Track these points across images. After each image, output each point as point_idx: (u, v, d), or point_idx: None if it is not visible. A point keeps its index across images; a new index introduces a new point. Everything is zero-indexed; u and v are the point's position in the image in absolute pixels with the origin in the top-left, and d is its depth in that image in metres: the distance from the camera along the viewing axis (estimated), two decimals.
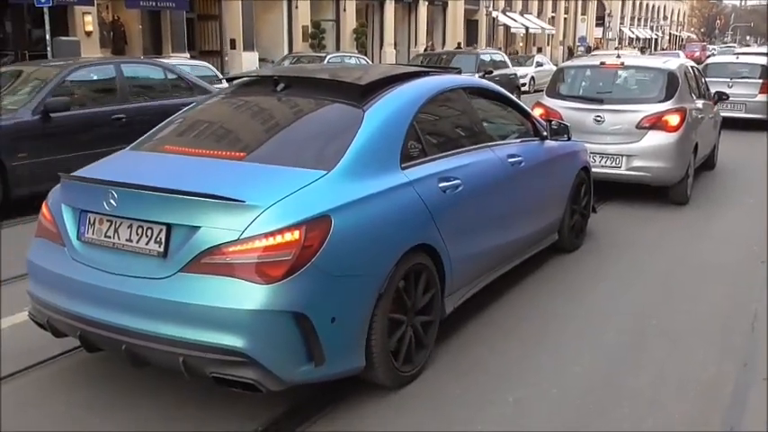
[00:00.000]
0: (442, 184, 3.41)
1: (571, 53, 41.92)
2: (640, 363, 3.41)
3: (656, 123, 6.45)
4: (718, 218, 6.53)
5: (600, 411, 2.97)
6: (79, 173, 3.24)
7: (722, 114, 10.82)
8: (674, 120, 6.47)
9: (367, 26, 29.68)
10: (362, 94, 3.37)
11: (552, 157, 4.74)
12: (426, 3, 33.18)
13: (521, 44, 42.32)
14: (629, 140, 6.49)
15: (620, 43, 55.12)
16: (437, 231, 3.31)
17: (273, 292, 2.60)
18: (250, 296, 2.59)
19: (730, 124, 11.26)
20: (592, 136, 6.45)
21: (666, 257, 5.20)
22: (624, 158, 6.49)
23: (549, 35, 46.72)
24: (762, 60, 13.53)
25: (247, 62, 21.57)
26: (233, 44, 22.57)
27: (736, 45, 68.60)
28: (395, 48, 30.39)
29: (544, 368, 3.33)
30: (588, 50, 40.72)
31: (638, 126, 6.48)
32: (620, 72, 7.19)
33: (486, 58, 18.34)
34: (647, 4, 71.05)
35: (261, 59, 23.13)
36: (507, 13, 40.61)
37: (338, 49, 25.64)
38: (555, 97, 7.16)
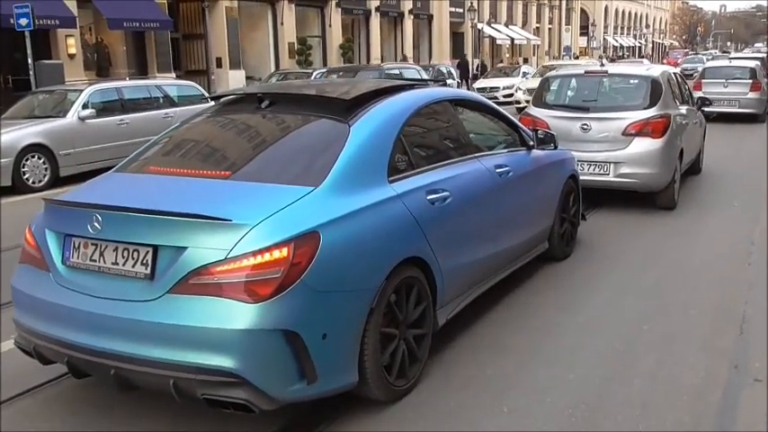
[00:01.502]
0: (430, 197, 3.41)
1: None
2: (633, 370, 3.40)
3: (642, 130, 6.53)
4: (706, 222, 6.58)
5: (593, 419, 2.96)
6: (63, 197, 3.22)
7: (719, 110, 13.40)
8: (658, 126, 6.55)
9: (353, 41, 29.83)
10: (348, 108, 3.37)
11: (540, 166, 4.76)
12: (412, 16, 33.45)
13: (506, 55, 42.72)
14: (615, 148, 6.57)
15: (604, 51, 55.76)
16: (427, 244, 3.31)
17: (263, 310, 2.58)
18: (239, 315, 2.57)
19: (724, 119, 13.97)
20: (579, 144, 6.51)
21: (656, 263, 5.22)
22: (612, 165, 6.56)
23: (534, 45, 47.26)
24: (751, 64, 15.80)
25: (234, 80, 21.60)
26: (219, 63, 22.62)
27: (716, 51, 69.60)
28: (382, 62, 30.53)
29: (539, 378, 3.33)
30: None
31: (624, 133, 6.56)
32: (604, 80, 7.31)
33: (395, 71, 16.85)
34: (630, 13, 72.04)
35: (248, 77, 23.19)
36: (492, 25, 41.07)
37: (325, 64, 25.73)
38: (541, 107, 7.21)
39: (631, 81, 7.25)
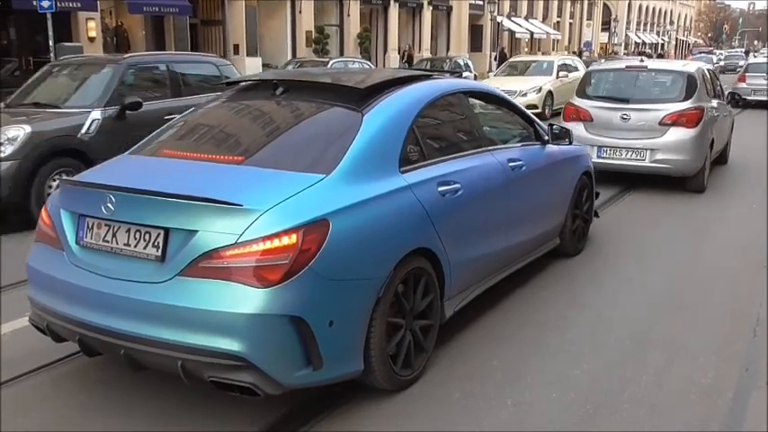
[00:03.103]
0: (441, 188, 3.43)
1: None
2: (641, 368, 3.41)
3: (677, 120, 7.24)
4: (733, 207, 7.13)
5: (599, 416, 2.97)
6: (78, 177, 3.28)
7: (757, 98, 17.43)
8: (693, 117, 7.25)
9: (371, 31, 29.74)
10: (362, 97, 3.40)
11: (554, 161, 4.76)
12: (431, 7, 33.26)
13: (525, 49, 42.32)
14: (652, 136, 7.30)
15: (626, 48, 55.11)
16: (436, 235, 3.33)
17: (271, 295, 2.62)
18: (247, 300, 2.62)
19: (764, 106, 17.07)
20: (619, 132, 7.43)
21: (669, 261, 5.20)
22: (648, 152, 7.32)
23: (554, 40, 46.83)
24: None
25: (251, 67, 21.68)
26: (236, 49, 22.71)
27: (742, 49, 68.81)
28: (399, 53, 30.48)
29: (544, 372, 3.34)
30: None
31: (661, 123, 7.29)
32: (642, 74, 8.00)
33: (340, 65, 16.71)
34: (654, 9, 71.03)
35: (264, 65, 23.25)
36: (512, 18, 40.69)
37: (342, 54, 25.75)
38: (584, 98, 7.96)
39: (669, 76, 7.90)
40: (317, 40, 25.91)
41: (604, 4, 57.10)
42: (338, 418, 2.98)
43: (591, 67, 9.04)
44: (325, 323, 2.76)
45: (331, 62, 18.66)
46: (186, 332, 2.65)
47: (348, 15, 27.97)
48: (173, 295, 2.68)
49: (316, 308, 2.73)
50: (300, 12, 25.43)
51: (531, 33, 42.43)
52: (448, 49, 35.17)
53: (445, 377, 3.29)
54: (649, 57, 40.45)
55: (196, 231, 2.71)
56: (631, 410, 3.01)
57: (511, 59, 20.85)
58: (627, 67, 8.28)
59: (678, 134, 7.21)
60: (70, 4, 16.67)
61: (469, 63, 24.91)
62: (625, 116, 7.44)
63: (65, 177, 3.24)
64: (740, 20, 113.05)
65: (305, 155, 3.15)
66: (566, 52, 41.08)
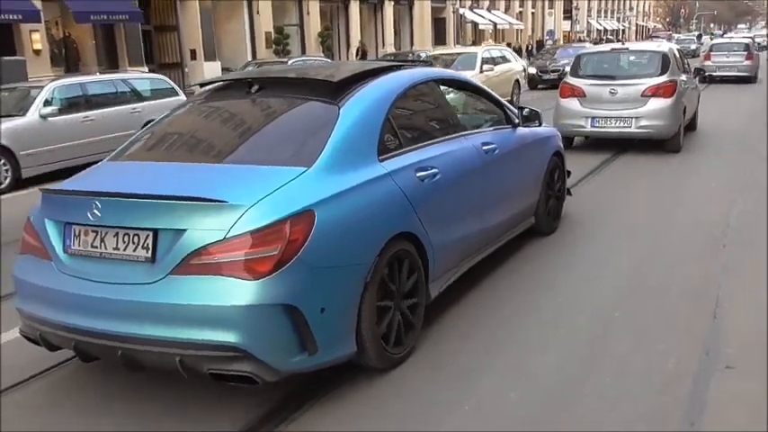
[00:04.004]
0: (419, 174, 3.60)
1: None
2: (605, 356, 3.43)
3: (656, 92, 8.81)
4: (703, 164, 8.51)
5: (561, 413, 2.97)
6: (60, 186, 3.35)
7: (721, 73, 20.25)
8: (668, 89, 8.81)
9: (332, 29, 29.81)
10: (335, 90, 3.54)
11: (525, 143, 4.97)
12: (392, 3, 33.55)
13: (489, 40, 42.75)
14: (636, 106, 8.83)
15: (587, 35, 56.07)
16: (417, 219, 3.49)
17: (263, 286, 2.75)
18: (240, 292, 2.74)
19: (727, 82, 19.96)
20: (608, 104, 8.97)
21: (638, 237, 5.42)
22: (634, 120, 8.87)
23: (517, 30, 47.57)
24: (746, 40, 23.19)
25: (209, 72, 21.58)
26: (193, 55, 22.59)
27: (700, 33, 70.96)
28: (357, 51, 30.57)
29: (510, 361, 3.40)
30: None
31: (643, 95, 8.83)
32: (624, 55, 9.75)
33: (299, 64, 15.67)
34: None
35: (224, 69, 23.17)
36: (474, 10, 41.34)
37: (304, 53, 25.73)
38: (577, 77, 9.53)
39: (646, 55, 9.52)
40: (276, 41, 25.93)
41: None
42: (328, 402, 3.09)
43: (581, 51, 10.94)
44: (317, 310, 2.90)
45: (290, 61, 18.69)
46: (182, 328, 2.76)
47: (308, 14, 28.03)
48: (166, 294, 2.79)
49: (307, 296, 2.87)
50: (258, 12, 25.42)
51: (495, 24, 43.17)
52: (412, 44, 35.47)
53: (413, 373, 3.33)
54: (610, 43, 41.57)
55: (184, 230, 2.82)
56: (594, 404, 2.99)
57: (432, 53, 18.77)
58: (612, 49, 10.09)
59: (657, 103, 8.71)
60: (10, 17, 16.31)
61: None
62: (613, 91, 8.95)
63: (45, 187, 3.28)
64: (696, 4, 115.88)
65: (286, 149, 3.29)
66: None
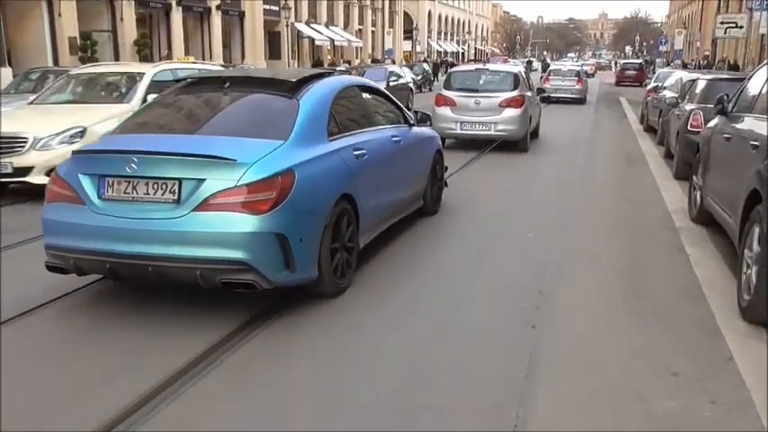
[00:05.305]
0: (355, 153, 5.16)
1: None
2: (441, 363, 3.81)
3: (509, 104, 12.26)
4: (543, 160, 11.94)
5: (416, 388, 3.51)
6: (90, 147, 4.40)
7: (557, 95, 24.93)
8: (519, 102, 12.34)
9: (150, 37, 28.90)
10: (293, 88, 5.04)
11: (419, 139, 6.73)
12: (220, 12, 33.26)
13: (328, 56, 44.21)
14: (494, 114, 12.25)
15: (429, 56, 59.11)
16: (354, 185, 5.06)
17: (263, 219, 4.12)
18: (248, 223, 4.12)
19: (562, 103, 25.01)
20: (474, 112, 12.37)
21: (497, 216, 7.32)
22: (493, 125, 12.31)
23: (356, 47, 49.27)
24: (576, 67, 29.62)
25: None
26: None
27: (534, 59, 78.76)
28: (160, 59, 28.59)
29: (340, 387, 3.59)
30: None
31: (500, 105, 12.25)
32: (485, 74, 13.29)
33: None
34: (453, 18, 79.32)
35: (15, 75, 19.88)
36: (312, 25, 42.35)
37: (117, 61, 24.47)
38: (449, 90, 12.96)
39: (502, 73, 13.30)
40: (83, 48, 24.53)
41: (405, 13, 62.23)
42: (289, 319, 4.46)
43: (452, 69, 15.31)
44: (298, 239, 4.33)
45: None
46: (203, 249, 4.11)
47: (122, 20, 26.80)
48: (191, 224, 4.09)
49: (292, 228, 4.29)
50: (60, 15, 23.70)
51: (332, 41, 44.58)
52: (243, 57, 35.34)
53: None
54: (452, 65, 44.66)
55: (204, 180, 4.12)
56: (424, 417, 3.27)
57: (76, 71, 11.02)
58: (476, 68, 14.03)
59: (510, 113, 12.23)
60: None
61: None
62: (477, 101, 12.34)
63: (77, 148, 4.27)
64: (531, 32, 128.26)
65: (267, 128, 4.73)
66: (369, 60, 42.29)
